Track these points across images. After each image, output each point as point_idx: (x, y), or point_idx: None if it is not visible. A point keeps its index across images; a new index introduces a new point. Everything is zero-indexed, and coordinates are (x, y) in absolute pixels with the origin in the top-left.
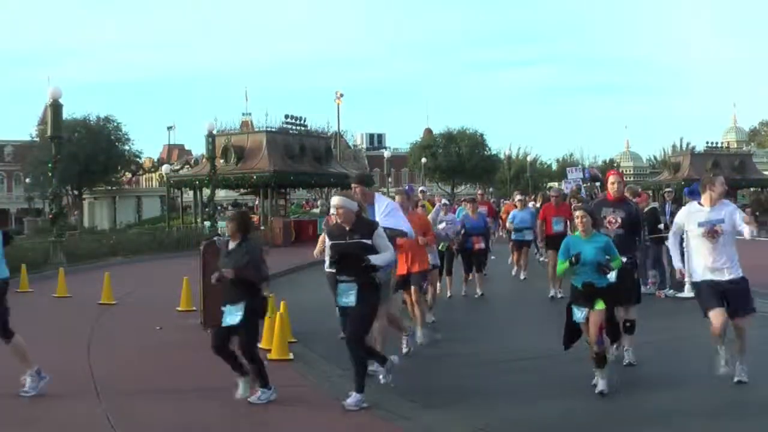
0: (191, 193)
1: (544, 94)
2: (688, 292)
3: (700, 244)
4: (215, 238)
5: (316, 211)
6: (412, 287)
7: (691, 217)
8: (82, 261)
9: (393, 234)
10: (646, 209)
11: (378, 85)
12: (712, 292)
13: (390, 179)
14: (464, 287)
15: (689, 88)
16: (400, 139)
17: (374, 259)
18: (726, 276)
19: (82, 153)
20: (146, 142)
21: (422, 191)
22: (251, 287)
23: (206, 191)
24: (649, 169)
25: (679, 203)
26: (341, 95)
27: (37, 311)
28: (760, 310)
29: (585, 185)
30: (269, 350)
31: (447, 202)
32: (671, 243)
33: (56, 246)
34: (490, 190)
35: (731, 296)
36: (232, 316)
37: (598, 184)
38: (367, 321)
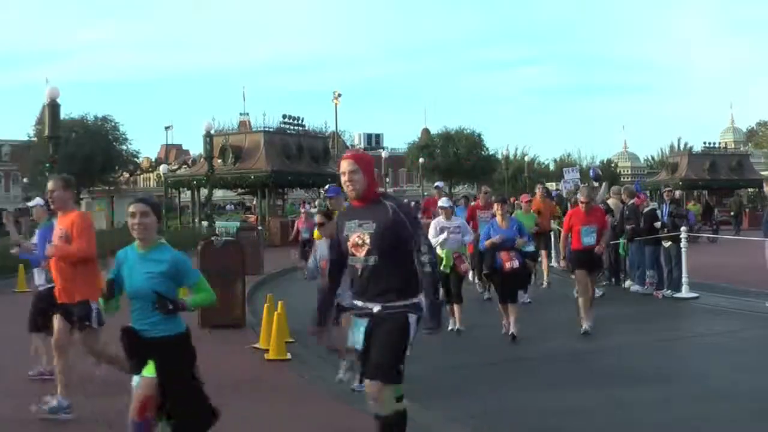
0: (189, 193)
1: (542, 94)
2: (685, 293)
3: None
4: (213, 238)
5: (314, 211)
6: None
7: None
8: None
9: None
10: (645, 210)
11: (376, 85)
12: None
13: (388, 179)
14: (504, 323)
15: (687, 89)
16: (398, 139)
17: None
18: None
19: (80, 153)
20: (144, 142)
21: (437, 187)
22: None
23: (204, 191)
24: (647, 170)
25: (678, 203)
26: (339, 95)
27: None
28: (759, 310)
29: (584, 185)
30: (267, 350)
31: (449, 204)
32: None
33: None
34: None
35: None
36: None
37: (596, 184)
38: None
